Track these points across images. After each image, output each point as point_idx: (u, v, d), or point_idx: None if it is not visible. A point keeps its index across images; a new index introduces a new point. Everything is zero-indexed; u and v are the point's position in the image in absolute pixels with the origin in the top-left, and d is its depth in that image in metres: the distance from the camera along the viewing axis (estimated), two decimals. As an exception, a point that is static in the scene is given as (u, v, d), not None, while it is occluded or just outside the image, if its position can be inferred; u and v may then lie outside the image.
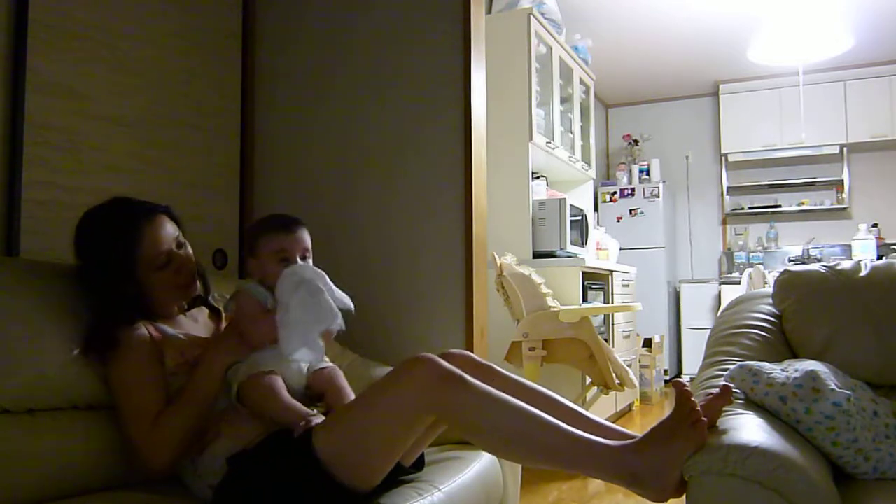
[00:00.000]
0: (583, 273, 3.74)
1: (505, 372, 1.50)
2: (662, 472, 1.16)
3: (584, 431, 1.25)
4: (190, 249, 1.55)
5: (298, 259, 1.45)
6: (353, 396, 1.45)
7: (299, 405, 1.34)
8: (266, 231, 1.48)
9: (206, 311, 1.66)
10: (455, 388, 1.24)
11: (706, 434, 1.18)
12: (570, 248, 3.90)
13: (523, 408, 1.25)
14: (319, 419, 1.29)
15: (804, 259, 6.35)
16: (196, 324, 1.59)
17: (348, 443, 1.24)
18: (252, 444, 1.31)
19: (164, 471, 1.37)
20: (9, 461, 1.27)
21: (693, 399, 1.19)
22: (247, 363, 1.40)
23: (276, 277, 1.41)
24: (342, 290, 1.46)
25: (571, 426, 1.25)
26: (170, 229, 1.51)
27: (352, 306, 1.44)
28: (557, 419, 1.26)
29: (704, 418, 1.18)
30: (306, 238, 1.50)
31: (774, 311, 1.78)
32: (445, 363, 1.27)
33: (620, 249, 5.11)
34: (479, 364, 1.49)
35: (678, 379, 1.29)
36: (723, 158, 6.71)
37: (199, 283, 1.62)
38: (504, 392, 1.28)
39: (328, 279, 1.43)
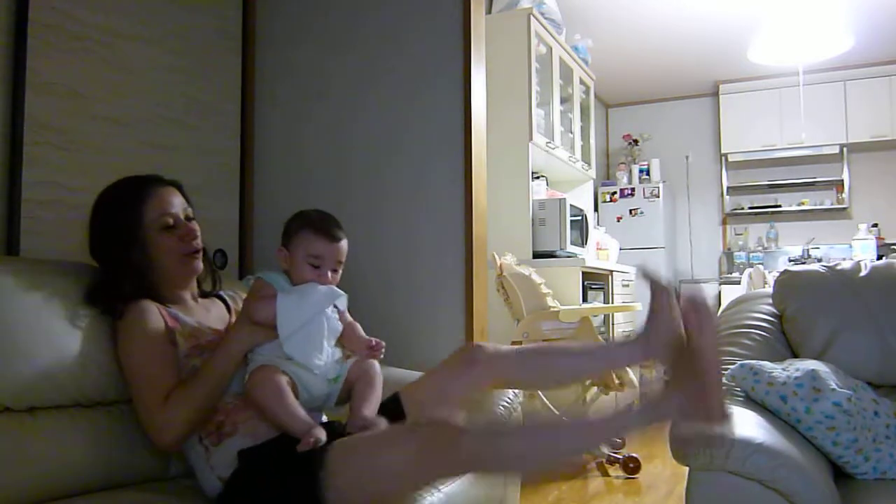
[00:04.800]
0: (583, 273, 3.74)
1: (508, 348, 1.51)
2: (694, 403, 1.14)
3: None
4: (198, 228, 1.54)
5: (329, 272, 1.44)
6: (378, 397, 1.43)
7: (303, 414, 1.32)
8: (310, 230, 1.44)
9: (219, 304, 1.65)
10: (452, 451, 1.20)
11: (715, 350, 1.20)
12: (570, 248, 3.90)
13: (519, 427, 1.27)
14: (323, 434, 1.27)
15: (804, 259, 6.35)
16: (208, 314, 1.58)
17: (362, 485, 1.22)
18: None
19: (172, 448, 1.37)
20: (9, 460, 1.27)
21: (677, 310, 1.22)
22: (265, 358, 1.39)
23: (301, 278, 1.43)
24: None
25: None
26: (181, 201, 1.53)
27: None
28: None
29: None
30: (344, 250, 1.47)
31: (774, 311, 1.78)
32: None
33: (620, 249, 5.11)
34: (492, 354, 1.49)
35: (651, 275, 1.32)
36: (723, 158, 6.71)
37: (209, 276, 1.63)
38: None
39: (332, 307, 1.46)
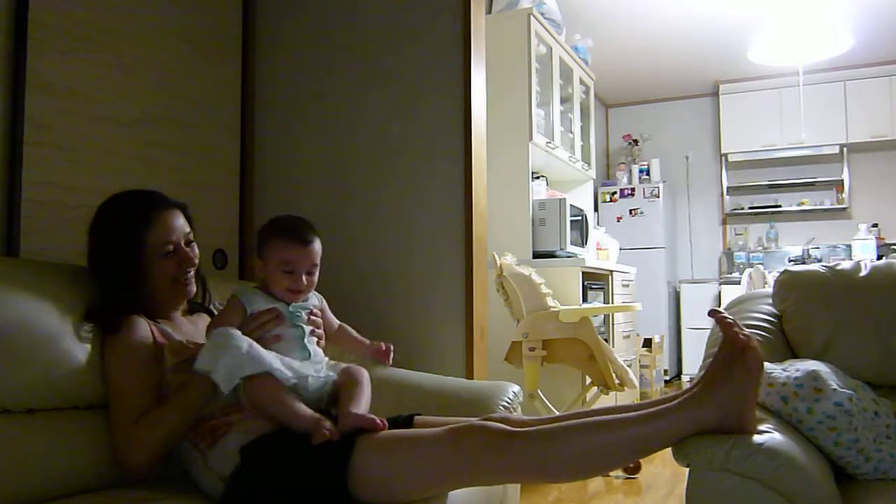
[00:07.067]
0: (583, 273, 3.74)
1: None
2: (733, 410, 1.16)
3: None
4: (197, 251, 1.57)
5: (304, 275, 1.46)
6: (367, 398, 1.43)
7: (307, 410, 1.33)
8: (279, 237, 1.47)
9: (206, 319, 1.66)
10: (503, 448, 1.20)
11: (761, 356, 1.17)
12: (570, 248, 3.90)
13: (570, 426, 1.23)
14: (332, 426, 1.28)
15: (804, 259, 6.35)
16: (196, 329, 1.59)
17: (389, 481, 1.23)
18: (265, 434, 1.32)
19: (139, 472, 1.35)
20: (9, 461, 1.27)
21: (736, 327, 1.19)
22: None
23: (277, 286, 1.45)
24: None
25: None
26: (182, 224, 1.54)
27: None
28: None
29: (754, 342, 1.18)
30: (317, 253, 1.50)
31: (774, 311, 1.78)
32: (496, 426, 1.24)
33: (620, 249, 5.10)
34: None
35: (716, 308, 1.27)
36: (723, 158, 6.71)
37: (199, 291, 1.64)
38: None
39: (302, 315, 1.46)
